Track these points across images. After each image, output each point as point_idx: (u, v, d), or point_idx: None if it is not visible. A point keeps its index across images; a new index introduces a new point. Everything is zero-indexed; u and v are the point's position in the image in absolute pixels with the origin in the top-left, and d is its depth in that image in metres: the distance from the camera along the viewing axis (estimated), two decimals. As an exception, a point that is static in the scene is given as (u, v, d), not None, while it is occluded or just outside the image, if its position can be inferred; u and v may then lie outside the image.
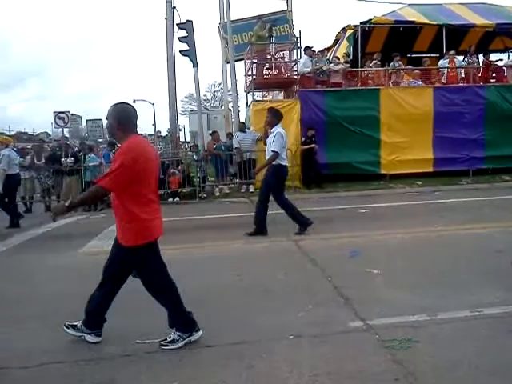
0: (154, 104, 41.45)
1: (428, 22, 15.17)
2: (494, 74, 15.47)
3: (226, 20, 15.44)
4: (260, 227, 7.58)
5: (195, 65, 14.82)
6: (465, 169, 13.94)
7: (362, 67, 14.96)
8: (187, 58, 14.80)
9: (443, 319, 3.99)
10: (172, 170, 12.77)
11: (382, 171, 13.90)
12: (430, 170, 13.93)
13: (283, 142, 7.33)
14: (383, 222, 8.39)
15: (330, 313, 4.24)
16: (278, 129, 7.40)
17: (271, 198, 7.66)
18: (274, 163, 7.37)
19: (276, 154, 7.28)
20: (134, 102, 42.09)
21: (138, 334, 3.88)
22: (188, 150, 17.58)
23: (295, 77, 14.14)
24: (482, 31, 16.26)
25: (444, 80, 14.94)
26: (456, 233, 7.28)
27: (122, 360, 3.52)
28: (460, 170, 13.89)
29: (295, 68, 14.18)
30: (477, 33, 16.43)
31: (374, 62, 14.78)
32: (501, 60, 16.05)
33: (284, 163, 7.49)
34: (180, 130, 24.66)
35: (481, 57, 16.45)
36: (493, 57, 16.28)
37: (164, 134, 26.21)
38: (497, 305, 4.23)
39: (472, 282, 4.96)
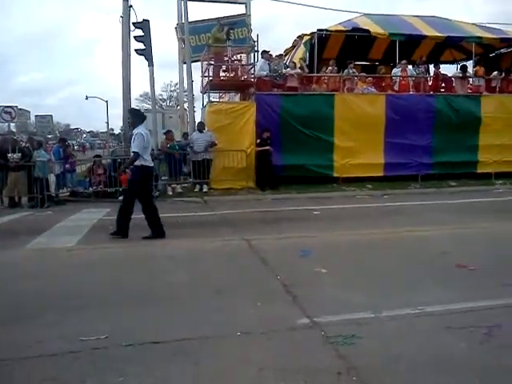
0: (107, 101, 40.67)
1: (381, 31, 15.57)
2: (443, 84, 16.07)
3: (183, 21, 15.33)
4: (121, 228, 7.43)
5: (151, 64, 14.63)
6: (413, 174, 14.40)
7: (317, 73, 15.20)
8: (143, 57, 14.60)
9: (387, 316, 4.10)
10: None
11: (335, 174, 14.15)
12: (381, 174, 14.31)
13: (143, 142, 7.33)
14: (334, 224, 8.55)
15: (278, 310, 4.27)
16: (140, 129, 7.43)
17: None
18: (136, 164, 7.37)
19: (137, 155, 7.30)
20: (87, 98, 41.20)
21: (82, 331, 3.79)
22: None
23: (252, 80, 14.19)
24: (433, 43, 16.90)
25: (396, 88, 15.40)
26: (403, 235, 7.48)
27: (66, 357, 3.42)
28: (409, 174, 14.33)
29: (252, 71, 14.24)
30: (428, 44, 17.08)
31: (330, 68, 15.07)
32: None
33: (147, 164, 7.49)
34: (134, 128, 24.20)
35: (432, 67, 17.13)
36: (443, 67, 16.98)
37: (117, 131, 25.64)
38: (438, 303, 4.38)
39: (416, 281, 5.11)
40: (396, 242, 7.05)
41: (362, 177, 13.95)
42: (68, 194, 12.59)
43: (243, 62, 15.20)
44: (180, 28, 16.20)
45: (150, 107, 24.22)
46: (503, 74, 15.94)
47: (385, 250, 6.64)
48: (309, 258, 6.09)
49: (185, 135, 14.34)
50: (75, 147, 37.13)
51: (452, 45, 17.80)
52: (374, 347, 3.54)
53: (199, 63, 15.10)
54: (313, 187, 13.18)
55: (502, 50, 17.85)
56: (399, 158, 14.35)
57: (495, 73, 15.95)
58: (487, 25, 17.61)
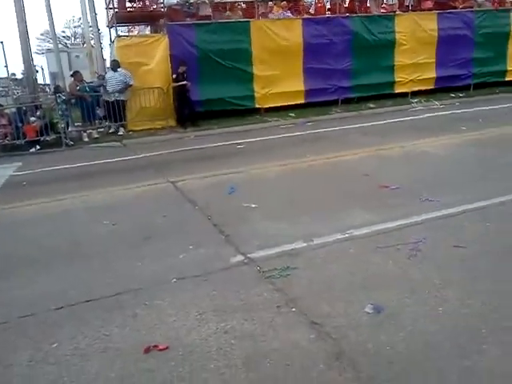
0: (2, 42, 36.96)
1: None
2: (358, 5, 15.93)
3: None
4: None
5: (47, -5, 13.29)
6: (334, 98, 14.52)
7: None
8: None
9: (317, 244, 4.18)
10: (31, 118, 11.55)
11: (257, 105, 13.93)
12: (302, 101, 14.28)
13: None
14: (259, 156, 8.48)
15: (211, 251, 4.23)
16: None
17: None
18: None
19: None
20: (-21, 40, 37.24)
21: (6, 299, 3.57)
22: (51, 92, 15.97)
23: (162, 10, 13.31)
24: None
25: (312, 11, 15.11)
26: (327, 161, 7.61)
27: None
28: (330, 100, 14.44)
29: (161, 0, 13.30)
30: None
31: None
32: None
33: None
34: (37, 71, 22.28)
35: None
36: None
37: (19, 76, 23.58)
38: (364, 225, 4.53)
39: (342, 206, 5.25)
40: (321, 169, 7.17)
41: (284, 106, 13.84)
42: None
43: (151, -9, 14.13)
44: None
45: (52, 46, 22.26)
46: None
47: (311, 177, 6.72)
48: (237, 193, 6.03)
49: (100, 76, 13.35)
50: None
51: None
52: (309, 276, 3.62)
53: (102, -5, 13.89)
54: (235, 120, 12.95)
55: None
56: (319, 83, 14.30)
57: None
58: None
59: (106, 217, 5.48)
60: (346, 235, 4.32)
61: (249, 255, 4.03)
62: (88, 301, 3.49)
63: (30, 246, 4.80)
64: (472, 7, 16.32)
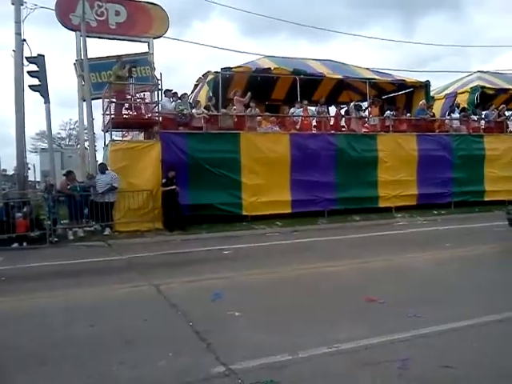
0: (-4, 141, 38.03)
1: (286, 68, 16.21)
2: (343, 124, 16.99)
3: (82, 57, 14.84)
4: None
5: (47, 101, 13.98)
6: (320, 210, 14.84)
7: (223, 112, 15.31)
8: (38, 94, 13.90)
9: (302, 358, 4.02)
10: (17, 214, 11.52)
11: (244, 212, 14.15)
12: (289, 211, 14.55)
13: None
14: (246, 263, 8.45)
15: (191, 360, 4.04)
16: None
17: None
18: None
19: None
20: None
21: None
22: (42, 189, 16.14)
23: (156, 118, 13.97)
24: (332, 83, 17.94)
25: (298, 127, 15.97)
26: (313, 271, 7.57)
27: None
28: (316, 210, 14.74)
29: (156, 109, 14.03)
30: (327, 84, 18.09)
31: (236, 97, 15.11)
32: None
33: None
34: (29, 168, 22.75)
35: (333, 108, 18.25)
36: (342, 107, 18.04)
37: (11, 172, 23.97)
38: (351, 339, 4.39)
39: (328, 317, 5.13)
40: (307, 279, 7.11)
41: (270, 214, 14.07)
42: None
43: (147, 100, 14.94)
44: (79, 64, 15.63)
45: (47, 146, 22.92)
46: (394, 115, 17.21)
47: (296, 287, 6.64)
48: (221, 300, 5.90)
49: (89, 175, 13.63)
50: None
51: (349, 86, 18.97)
52: (293, 392, 3.42)
53: (100, 101, 14.61)
54: (222, 226, 13.07)
55: (393, 94, 19.42)
56: (305, 194, 14.73)
57: (388, 112, 17.17)
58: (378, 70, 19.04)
59: (84, 318, 5.28)
60: (333, 349, 4.17)
61: (230, 366, 3.84)
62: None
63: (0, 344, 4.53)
64: (448, 131, 17.51)
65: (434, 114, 18.01)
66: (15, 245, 11.00)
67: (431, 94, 19.03)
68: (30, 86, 13.84)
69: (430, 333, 4.53)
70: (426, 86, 18.17)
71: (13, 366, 4.06)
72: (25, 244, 11.10)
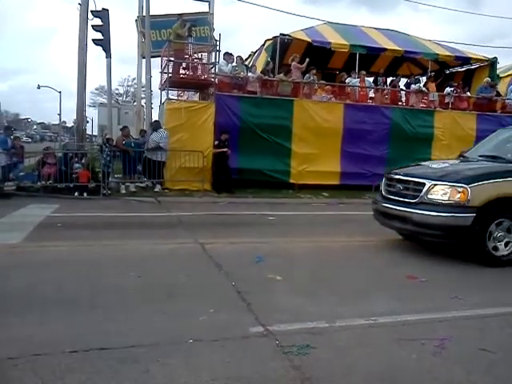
0: (60, 92, 39.42)
1: (343, 42, 15.76)
2: (400, 97, 16.50)
3: (144, 14, 14.99)
4: None
5: (108, 56, 14.29)
6: (368, 184, 14.62)
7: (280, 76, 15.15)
8: (100, 48, 14.20)
9: (341, 326, 4.08)
10: (76, 165, 12.04)
11: (291, 180, 14.17)
12: (337, 182, 14.45)
13: None
14: (290, 230, 8.52)
15: (231, 317, 4.17)
16: None
17: None
18: None
19: None
20: (39, 87, 39.73)
21: (23, 336, 3.56)
22: (100, 142, 16.71)
23: (212, 79, 14.04)
24: (392, 56, 17.30)
25: (354, 98, 15.63)
26: (356, 244, 7.58)
27: (4, 364, 3.20)
28: (363, 184, 14.55)
29: (213, 70, 14.08)
30: (387, 57, 17.45)
31: (294, 63, 14.92)
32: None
33: None
34: (87, 122, 23.52)
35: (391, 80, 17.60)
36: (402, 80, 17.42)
37: (70, 124, 24.87)
38: (389, 314, 4.41)
39: (368, 291, 5.14)
40: (349, 251, 7.11)
41: (317, 184, 14.00)
42: (15, 187, 11.85)
43: (204, 61, 15.01)
44: (141, 21, 15.85)
45: (105, 101, 23.56)
46: (455, 92, 16.51)
47: (338, 257, 6.67)
48: (263, 264, 6.02)
49: (142, 132, 13.98)
50: (24, 138, 35.57)
51: (410, 59, 18.29)
52: (328, 358, 3.51)
53: (159, 59, 14.82)
54: (269, 192, 13.15)
55: (457, 68, 18.54)
56: (355, 167, 14.54)
57: (448, 89, 16.49)
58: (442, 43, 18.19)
59: (132, 268, 5.53)
60: (371, 321, 4.21)
61: (268, 327, 3.96)
62: (103, 349, 3.46)
63: (51, 286, 4.83)
64: (510, 113, 16.62)
65: (498, 93, 17.11)
66: (76, 194, 11.49)
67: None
68: (93, 40, 14.16)
69: (471, 315, 4.49)
70: (493, 63, 17.22)
71: (63, 305, 4.33)
72: (85, 194, 11.58)
